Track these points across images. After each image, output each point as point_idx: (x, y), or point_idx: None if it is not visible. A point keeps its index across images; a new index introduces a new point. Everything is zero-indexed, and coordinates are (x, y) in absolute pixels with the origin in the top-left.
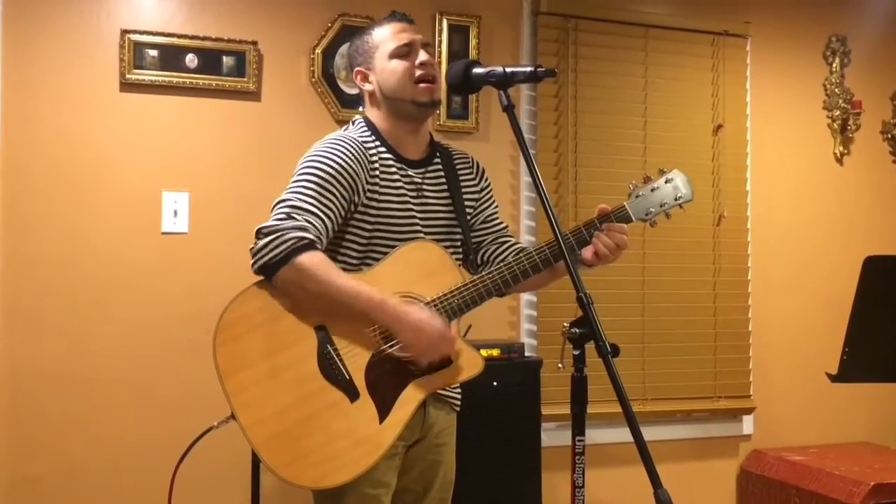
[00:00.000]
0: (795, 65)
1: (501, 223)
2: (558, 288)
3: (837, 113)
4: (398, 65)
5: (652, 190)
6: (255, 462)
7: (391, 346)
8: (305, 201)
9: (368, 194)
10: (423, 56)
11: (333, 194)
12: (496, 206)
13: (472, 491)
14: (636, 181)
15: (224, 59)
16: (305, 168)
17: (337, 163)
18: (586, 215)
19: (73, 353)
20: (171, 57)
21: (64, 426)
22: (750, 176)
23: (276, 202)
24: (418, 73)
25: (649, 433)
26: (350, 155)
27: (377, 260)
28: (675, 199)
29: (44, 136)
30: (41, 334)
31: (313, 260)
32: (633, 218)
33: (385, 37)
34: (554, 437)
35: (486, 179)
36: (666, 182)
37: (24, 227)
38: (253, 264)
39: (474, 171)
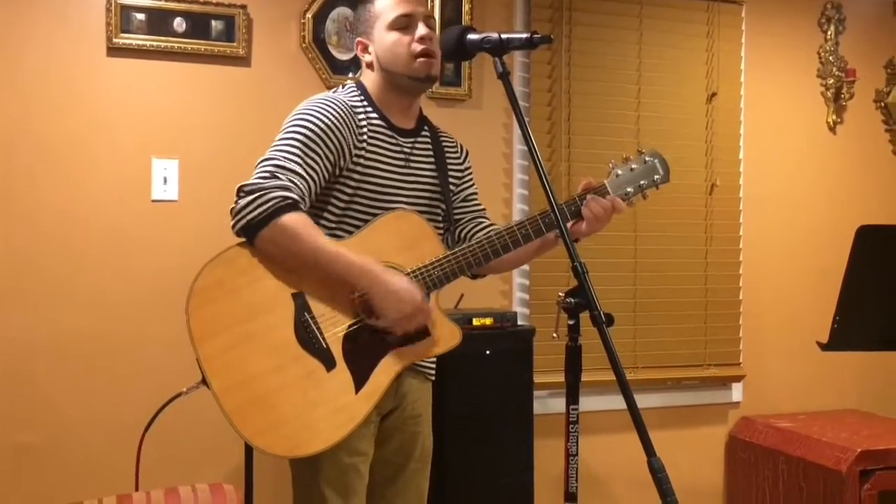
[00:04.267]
0: (790, 32)
1: (480, 205)
2: (550, 257)
3: (831, 81)
4: (397, 37)
5: (630, 170)
6: None
7: (369, 316)
8: (290, 160)
9: (355, 157)
10: (422, 30)
11: (319, 154)
12: (476, 189)
13: (464, 459)
14: (615, 160)
15: (213, 23)
16: (291, 126)
17: (325, 122)
18: (579, 183)
19: (63, 320)
20: (158, 21)
21: (56, 394)
22: (743, 144)
23: (259, 160)
24: (417, 47)
25: (640, 400)
26: (338, 116)
27: (353, 226)
28: (653, 181)
29: (29, 102)
30: (32, 302)
31: (296, 220)
32: (613, 196)
33: (386, 7)
34: (546, 404)
35: (469, 162)
36: (644, 163)
37: (11, 196)
38: (234, 224)
39: (459, 151)
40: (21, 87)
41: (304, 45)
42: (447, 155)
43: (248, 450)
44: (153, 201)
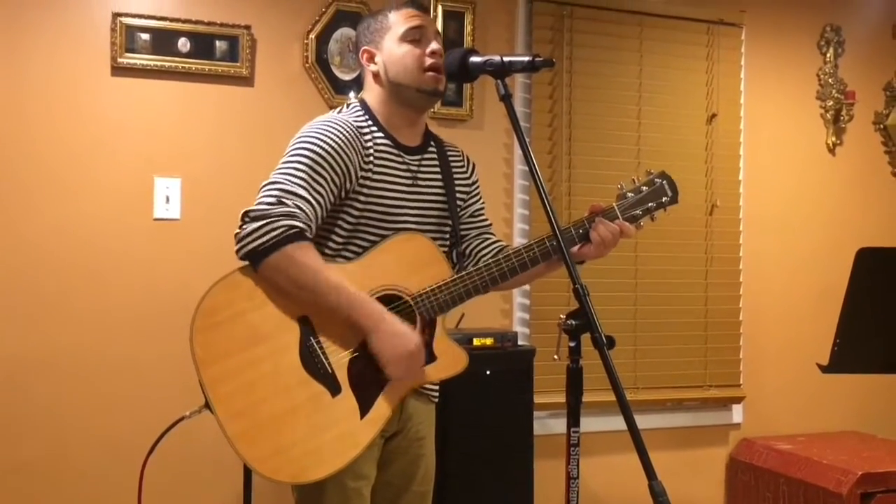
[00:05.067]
0: (789, 54)
1: (487, 220)
2: (551, 277)
3: (830, 103)
4: (408, 50)
5: (639, 192)
6: None
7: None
8: (296, 184)
9: (361, 179)
10: (433, 45)
11: (325, 178)
12: (483, 203)
13: (464, 480)
14: (624, 182)
15: (217, 43)
16: (296, 150)
17: (329, 145)
18: (580, 203)
19: (62, 338)
20: (163, 41)
21: (54, 412)
22: (743, 165)
23: (264, 184)
24: (427, 61)
25: (640, 421)
26: (344, 138)
27: (361, 246)
28: (661, 203)
29: (32, 120)
30: (31, 320)
31: (302, 251)
32: (621, 219)
33: (398, 19)
34: (546, 425)
35: (476, 174)
36: (653, 184)
37: (12, 213)
38: (239, 249)
39: (466, 164)
40: (25, 105)
41: (307, 65)
42: (454, 170)
43: (247, 475)
44: (155, 220)
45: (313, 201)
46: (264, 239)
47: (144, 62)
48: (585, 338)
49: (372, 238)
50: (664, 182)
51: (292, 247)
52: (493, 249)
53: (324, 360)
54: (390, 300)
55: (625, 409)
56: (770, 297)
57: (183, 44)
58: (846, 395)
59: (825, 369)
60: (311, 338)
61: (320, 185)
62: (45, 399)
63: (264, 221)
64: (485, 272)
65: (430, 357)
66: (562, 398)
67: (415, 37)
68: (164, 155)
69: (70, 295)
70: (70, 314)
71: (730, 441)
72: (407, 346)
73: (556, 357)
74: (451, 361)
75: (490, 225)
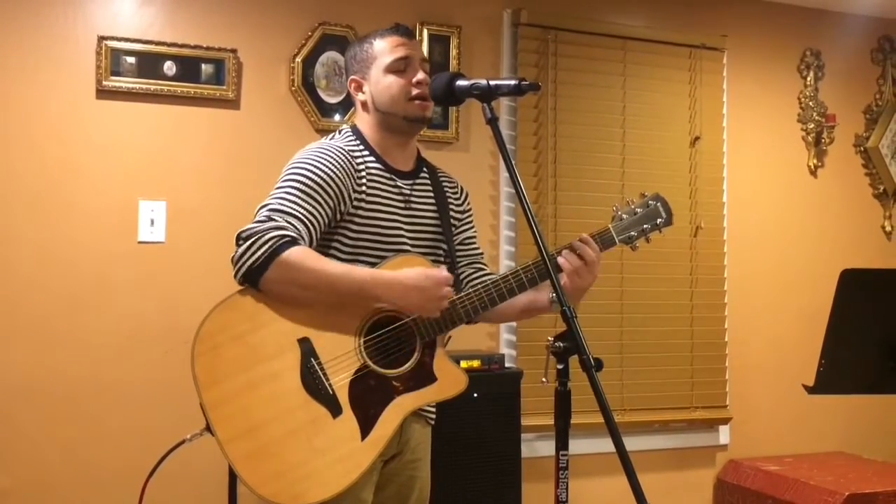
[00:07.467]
0: (771, 78)
1: (478, 249)
2: None
3: (812, 126)
4: (393, 80)
5: (634, 213)
6: (232, 476)
7: (375, 362)
8: (286, 205)
9: (355, 203)
10: (420, 75)
11: (317, 201)
12: (475, 232)
13: (452, 503)
14: (618, 203)
15: (203, 66)
16: (289, 175)
17: (322, 170)
18: (566, 225)
19: (46, 363)
20: (148, 64)
21: (36, 438)
22: (726, 187)
23: (258, 208)
24: (413, 91)
25: (627, 443)
26: (336, 163)
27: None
28: (655, 224)
29: (17, 143)
30: (14, 344)
31: (298, 253)
32: (617, 241)
33: (383, 49)
34: (534, 447)
35: (469, 203)
36: (647, 206)
37: None
38: (236, 273)
39: (459, 192)
40: (9, 127)
41: (293, 88)
42: (448, 195)
43: (232, 500)
44: (140, 243)
45: (305, 221)
46: (257, 255)
47: (130, 85)
48: (573, 360)
49: (371, 261)
50: (658, 204)
51: (286, 254)
52: (483, 281)
53: (324, 380)
54: (390, 321)
55: (614, 434)
56: (755, 318)
57: (169, 67)
58: (832, 415)
59: (811, 390)
60: (312, 359)
61: (313, 206)
62: (27, 425)
63: (255, 238)
64: (483, 292)
65: (431, 378)
66: (549, 420)
67: (400, 67)
68: (149, 178)
69: (53, 319)
70: (53, 338)
71: (717, 462)
72: (420, 273)
73: (544, 380)
74: (451, 382)
75: (481, 255)
